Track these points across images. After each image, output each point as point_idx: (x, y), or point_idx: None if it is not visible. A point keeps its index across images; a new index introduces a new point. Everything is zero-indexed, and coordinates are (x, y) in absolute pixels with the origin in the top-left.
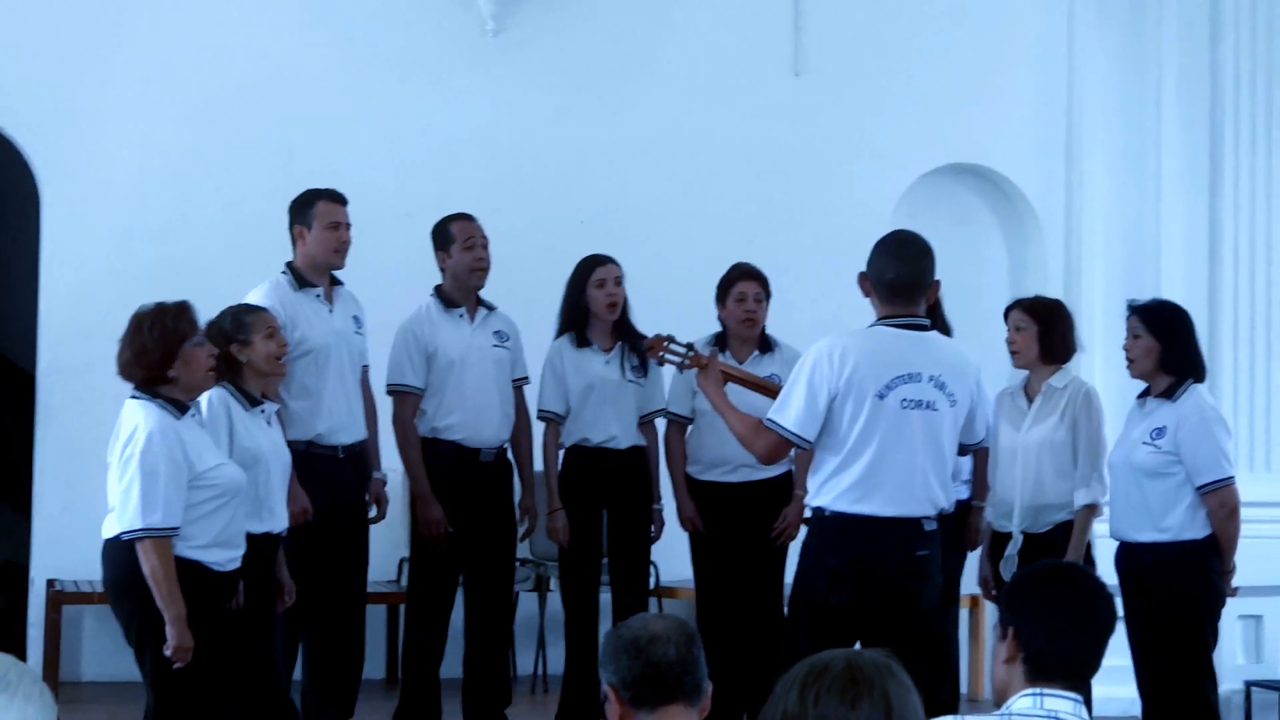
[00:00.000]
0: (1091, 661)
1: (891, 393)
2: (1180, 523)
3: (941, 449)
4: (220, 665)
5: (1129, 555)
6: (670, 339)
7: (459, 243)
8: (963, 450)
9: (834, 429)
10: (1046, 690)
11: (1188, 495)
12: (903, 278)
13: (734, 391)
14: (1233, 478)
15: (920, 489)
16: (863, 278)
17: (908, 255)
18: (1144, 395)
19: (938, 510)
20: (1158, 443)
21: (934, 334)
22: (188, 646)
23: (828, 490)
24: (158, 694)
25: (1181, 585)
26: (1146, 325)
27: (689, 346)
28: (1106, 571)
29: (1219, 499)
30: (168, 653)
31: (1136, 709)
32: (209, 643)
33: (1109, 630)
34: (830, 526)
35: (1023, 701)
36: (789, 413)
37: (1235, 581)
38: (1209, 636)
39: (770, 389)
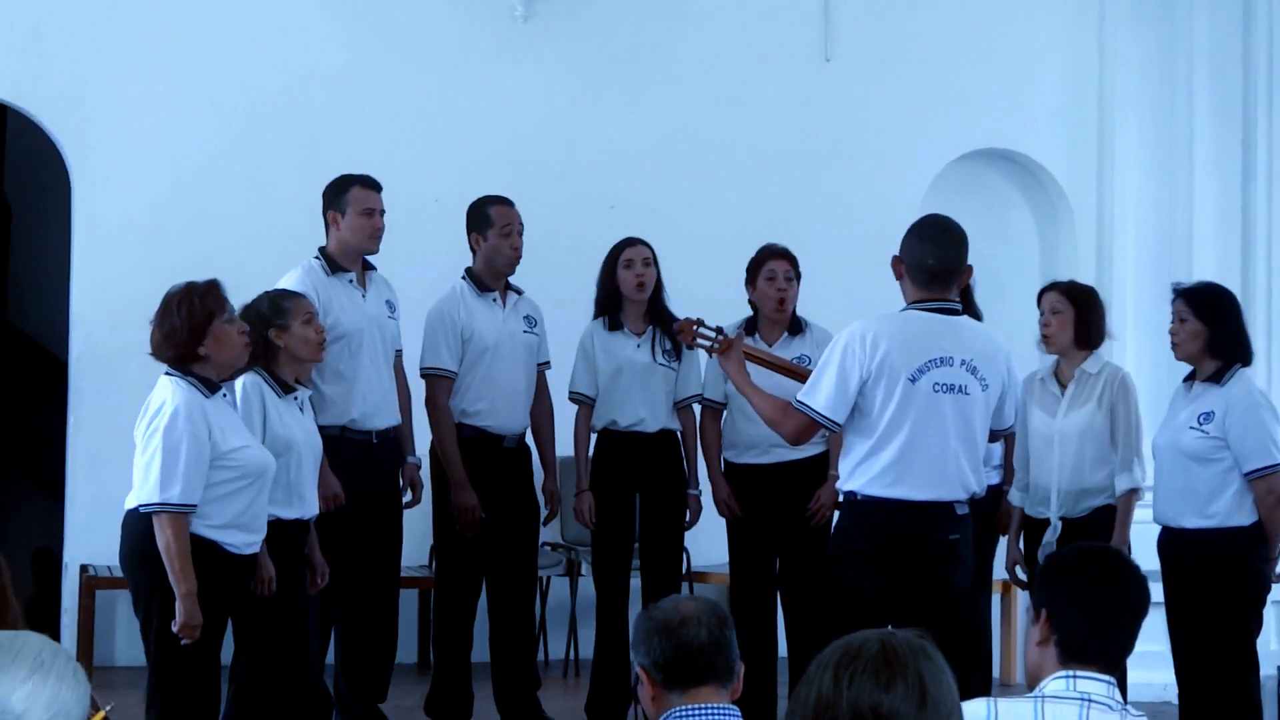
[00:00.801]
0: (1124, 644)
1: (924, 377)
2: (1227, 509)
3: (973, 433)
4: (219, 645)
5: (1173, 541)
6: (700, 322)
7: (496, 228)
8: (993, 436)
9: (865, 412)
10: (1080, 673)
11: (1235, 481)
12: (943, 263)
13: (760, 374)
14: None
15: (953, 473)
16: (897, 261)
17: (948, 241)
18: (1189, 379)
19: (969, 494)
20: (1205, 427)
21: (965, 318)
22: (196, 624)
23: (860, 474)
24: (158, 668)
25: (1226, 572)
26: (1193, 309)
27: (719, 330)
28: (1143, 556)
29: (1267, 485)
30: (175, 629)
31: (1170, 694)
32: (216, 624)
33: (1142, 613)
34: (862, 510)
35: (1055, 684)
36: (819, 395)
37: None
38: (1253, 624)
39: (795, 371)
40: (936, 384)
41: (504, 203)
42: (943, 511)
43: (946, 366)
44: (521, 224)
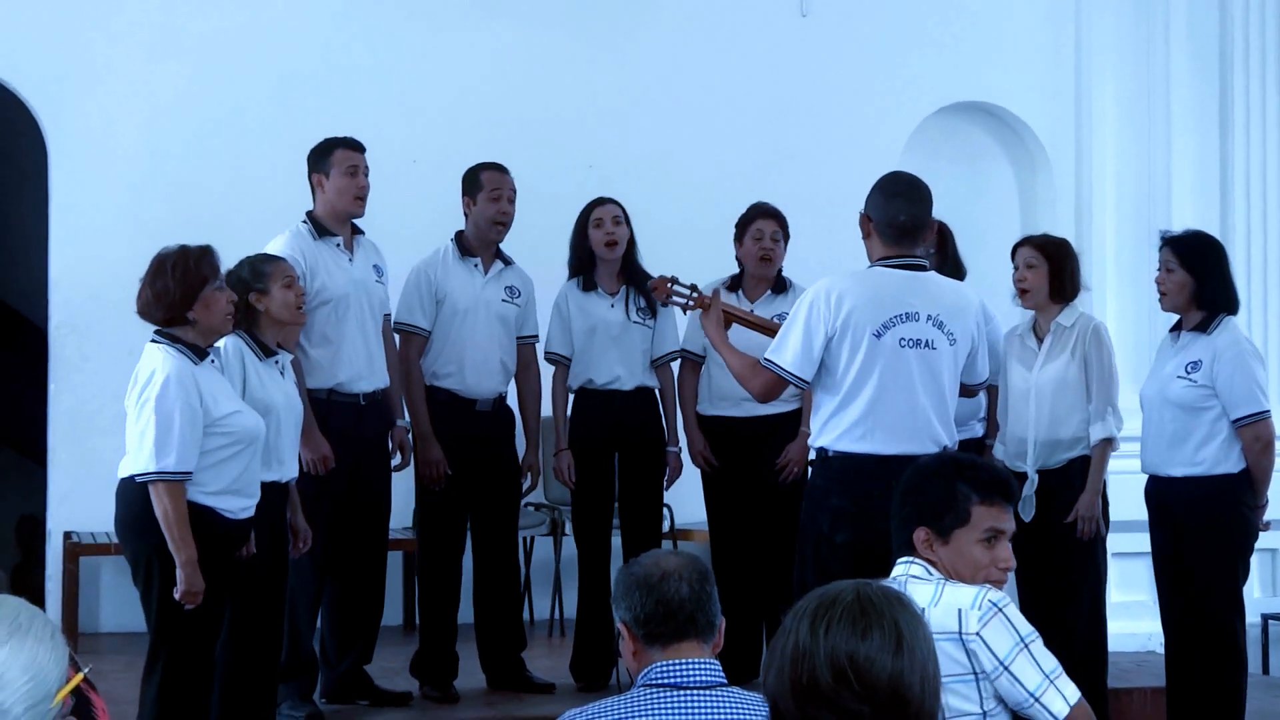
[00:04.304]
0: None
1: (889, 332)
2: (1214, 456)
3: (942, 387)
4: (221, 610)
5: (1161, 489)
6: (674, 280)
7: (485, 192)
8: (966, 390)
9: (832, 369)
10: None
11: (1223, 429)
12: (914, 220)
13: (739, 332)
14: (1268, 411)
15: (921, 426)
16: (866, 219)
17: (918, 197)
18: (1176, 329)
19: (940, 447)
20: (1193, 376)
21: (933, 274)
22: (198, 590)
23: (829, 430)
24: (160, 635)
25: (1214, 519)
26: (1179, 258)
27: (692, 287)
28: (1129, 506)
29: (1254, 432)
30: (177, 595)
31: (1155, 643)
32: (217, 589)
33: None
34: (834, 466)
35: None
36: (786, 353)
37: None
38: (1240, 571)
39: (772, 329)
40: (902, 339)
41: (497, 169)
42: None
43: (912, 322)
44: (513, 191)
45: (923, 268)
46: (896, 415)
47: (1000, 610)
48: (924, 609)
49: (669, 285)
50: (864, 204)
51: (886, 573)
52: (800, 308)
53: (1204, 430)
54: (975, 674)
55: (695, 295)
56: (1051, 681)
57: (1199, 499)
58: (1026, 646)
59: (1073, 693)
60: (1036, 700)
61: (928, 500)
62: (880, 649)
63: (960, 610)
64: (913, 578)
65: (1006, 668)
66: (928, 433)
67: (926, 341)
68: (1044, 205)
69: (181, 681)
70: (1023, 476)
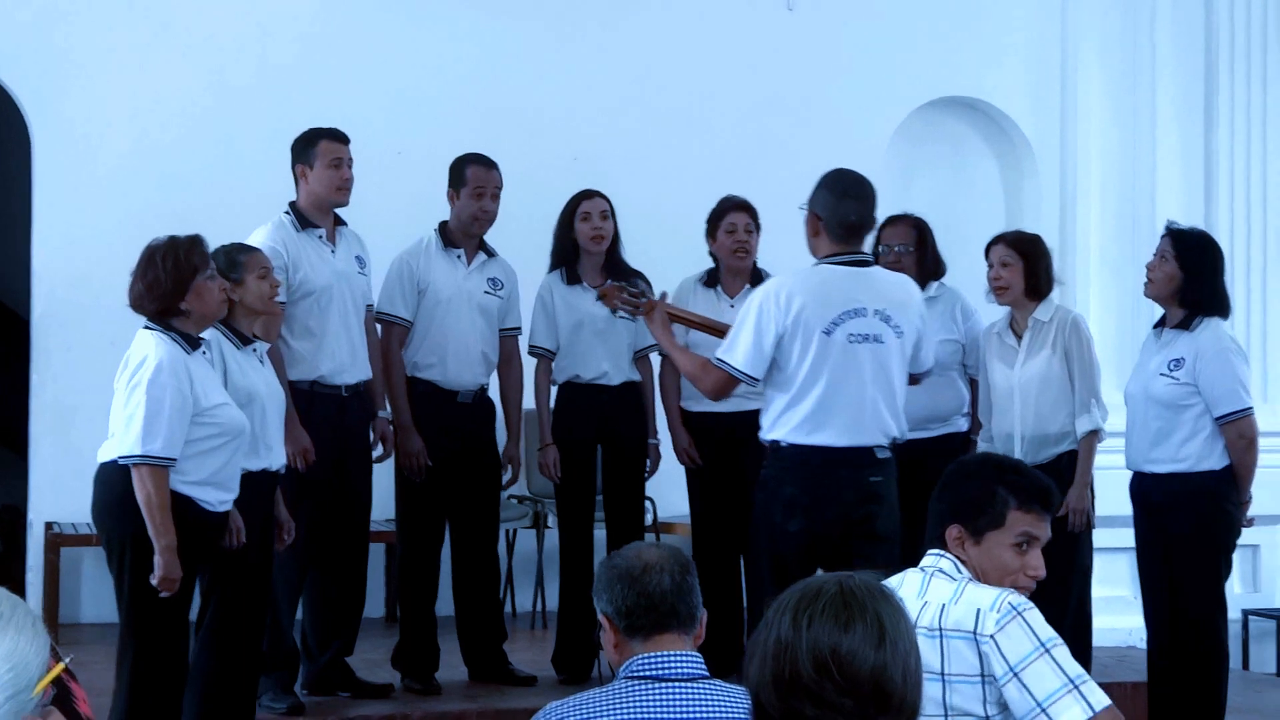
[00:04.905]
0: None
1: (838, 329)
2: (1198, 453)
3: (890, 380)
4: (190, 601)
5: (1145, 484)
6: (622, 287)
7: (469, 187)
8: (913, 380)
9: (783, 367)
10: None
11: (1206, 426)
12: (863, 218)
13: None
14: (1251, 409)
15: (871, 419)
16: (815, 217)
17: (866, 196)
18: (1160, 325)
19: (889, 439)
20: (1176, 374)
21: (878, 269)
22: (175, 577)
23: (781, 425)
24: (131, 622)
25: (1198, 516)
26: (1176, 251)
27: (639, 293)
28: (1114, 501)
29: (1237, 430)
30: (154, 581)
31: (1136, 639)
32: (187, 579)
33: None
34: (785, 457)
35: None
36: (737, 352)
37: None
38: (1222, 567)
39: (719, 329)
40: (851, 335)
41: (483, 163)
42: (863, 456)
43: (860, 317)
44: (498, 187)
45: (868, 263)
46: (847, 409)
47: (1020, 614)
48: (944, 605)
49: (618, 293)
50: (809, 202)
51: (838, 561)
52: (750, 307)
53: (1187, 427)
54: (983, 677)
55: (642, 301)
56: (1076, 687)
57: (1182, 495)
58: (1048, 651)
59: (1099, 699)
60: (1043, 710)
61: (965, 498)
62: (862, 642)
63: (979, 610)
64: (940, 571)
65: (1017, 674)
66: (877, 425)
67: (874, 336)
68: (1029, 200)
69: (153, 669)
70: None
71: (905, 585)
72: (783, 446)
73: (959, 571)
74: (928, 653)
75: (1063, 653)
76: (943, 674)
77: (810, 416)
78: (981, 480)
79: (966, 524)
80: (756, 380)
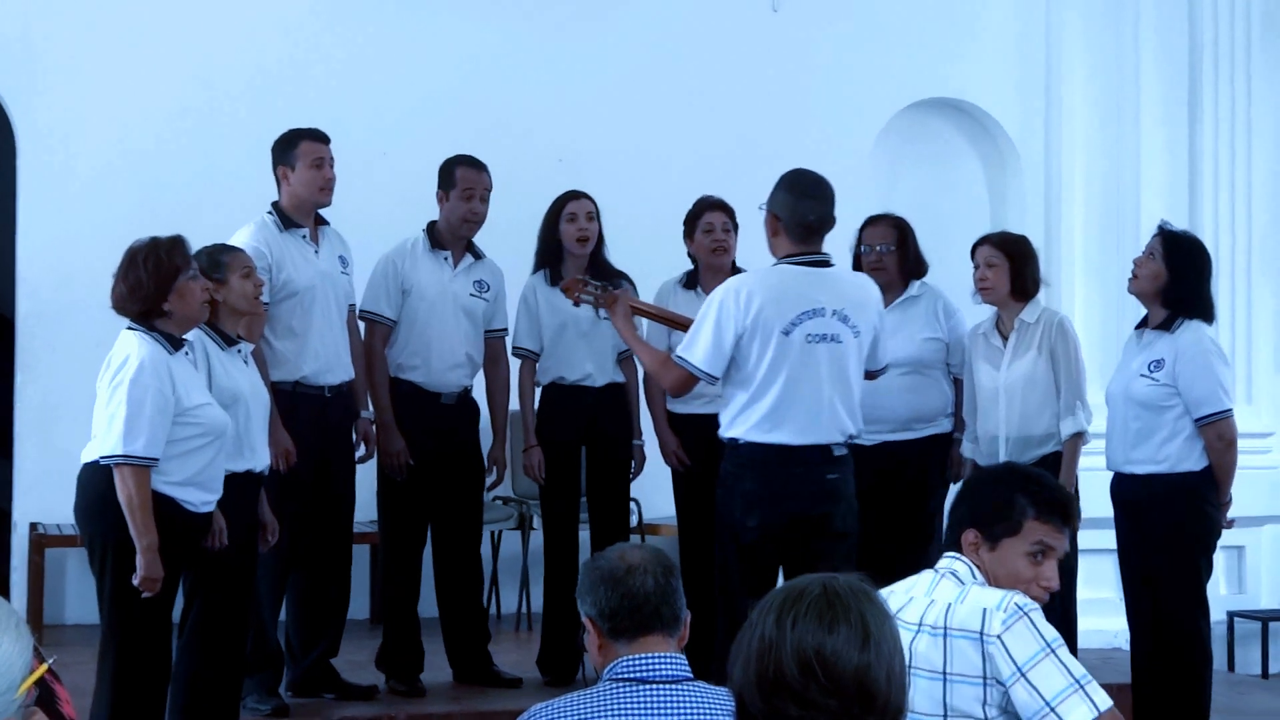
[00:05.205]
0: None
1: (797, 329)
2: (1177, 454)
3: (848, 379)
4: (173, 601)
5: (1125, 485)
6: (585, 281)
7: (459, 189)
8: (869, 375)
9: (742, 365)
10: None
11: (1186, 427)
12: (822, 219)
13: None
14: (1231, 410)
15: (828, 418)
16: (774, 218)
17: (825, 196)
18: (1141, 326)
19: (846, 437)
20: (1155, 375)
21: (837, 269)
22: (157, 577)
23: (740, 423)
24: (113, 622)
25: (1177, 517)
26: (1164, 250)
27: (602, 286)
28: (1095, 502)
29: (1217, 431)
30: (135, 582)
31: (1121, 640)
32: (169, 580)
33: None
34: (744, 453)
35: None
36: (697, 350)
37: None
38: (1203, 568)
39: (682, 324)
40: (809, 334)
41: (471, 165)
42: (820, 453)
43: (819, 317)
44: (488, 189)
45: (827, 263)
46: (805, 408)
47: (1026, 614)
48: (950, 604)
49: (580, 285)
50: (769, 202)
51: (797, 557)
52: (710, 306)
53: (1167, 428)
54: (985, 678)
55: (604, 294)
56: (1081, 687)
57: (1162, 496)
58: (1053, 652)
59: (1103, 699)
60: (1052, 710)
61: (984, 504)
62: (847, 643)
63: (985, 610)
64: (952, 573)
65: (1024, 674)
66: (834, 424)
67: (832, 336)
68: (1013, 201)
69: (135, 670)
70: None
71: (916, 584)
72: (741, 444)
73: (972, 576)
74: (930, 651)
75: (1066, 652)
76: (944, 673)
77: (769, 415)
78: (1003, 487)
79: (983, 529)
80: (716, 379)
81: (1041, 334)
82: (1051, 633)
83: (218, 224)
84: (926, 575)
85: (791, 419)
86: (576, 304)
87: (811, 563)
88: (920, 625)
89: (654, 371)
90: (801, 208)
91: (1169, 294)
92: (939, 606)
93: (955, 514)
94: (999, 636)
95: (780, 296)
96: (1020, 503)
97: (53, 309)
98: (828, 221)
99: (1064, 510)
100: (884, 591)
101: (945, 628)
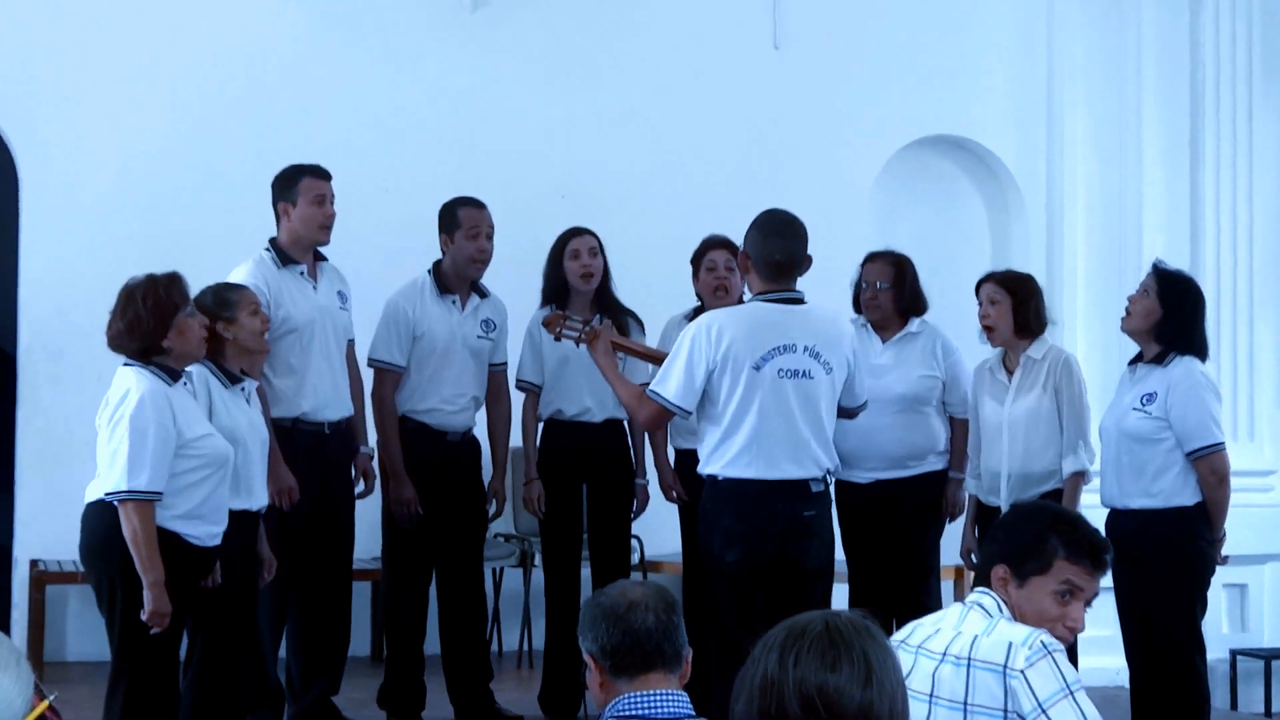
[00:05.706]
0: None
1: (767, 365)
2: (1171, 488)
3: (819, 414)
4: (181, 637)
5: (1119, 521)
6: (567, 316)
7: (463, 229)
8: (846, 413)
9: (714, 400)
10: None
11: (1178, 461)
12: (790, 256)
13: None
14: (1223, 444)
15: (803, 453)
16: (745, 257)
17: (793, 235)
18: (1135, 361)
19: (823, 471)
20: (1148, 408)
21: (809, 306)
22: (165, 612)
23: (717, 459)
24: (123, 659)
25: (1171, 552)
26: (1158, 288)
27: (585, 322)
28: None
29: (1209, 465)
30: (144, 618)
31: (1122, 678)
32: (177, 616)
33: None
34: (722, 490)
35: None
36: (669, 385)
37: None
38: (1197, 604)
39: (661, 359)
40: (780, 370)
41: (474, 205)
42: (797, 489)
43: (790, 353)
44: (491, 227)
45: (799, 300)
46: (778, 442)
47: (1050, 654)
48: (976, 636)
49: (562, 320)
50: (742, 242)
51: (776, 592)
52: (683, 342)
53: (1159, 462)
54: (1005, 711)
55: (586, 329)
56: None
57: (1155, 531)
58: (1071, 694)
59: None
60: None
61: (1016, 541)
62: (849, 680)
63: (1010, 644)
64: (979, 605)
65: (1045, 711)
66: (810, 458)
67: (804, 371)
68: (1015, 239)
69: (143, 706)
70: (996, 511)
71: (945, 617)
72: (720, 480)
73: (1000, 610)
74: (953, 680)
75: (1084, 696)
76: (965, 703)
77: (744, 450)
78: (1035, 526)
79: (1013, 566)
80: (689, 413)
81: (1047, 371)
82: (1073, 674)
83: (218, 255)
84: (955, 608)
85: (766, 454)
86: (558, 339)
87: (788, 597)
88: (945, 654)
89: (629, 406)
90: (769, 246)
91: (1163, 330)
92: (965, 638)
93: (988, 549)
94: (1023, 671)
95: (751, 332)
96: (1052, 542)
97: (55, 343)
98: (798, 259)
99: (1094, 553)
100: (913, 623)
101: (970, 659)
